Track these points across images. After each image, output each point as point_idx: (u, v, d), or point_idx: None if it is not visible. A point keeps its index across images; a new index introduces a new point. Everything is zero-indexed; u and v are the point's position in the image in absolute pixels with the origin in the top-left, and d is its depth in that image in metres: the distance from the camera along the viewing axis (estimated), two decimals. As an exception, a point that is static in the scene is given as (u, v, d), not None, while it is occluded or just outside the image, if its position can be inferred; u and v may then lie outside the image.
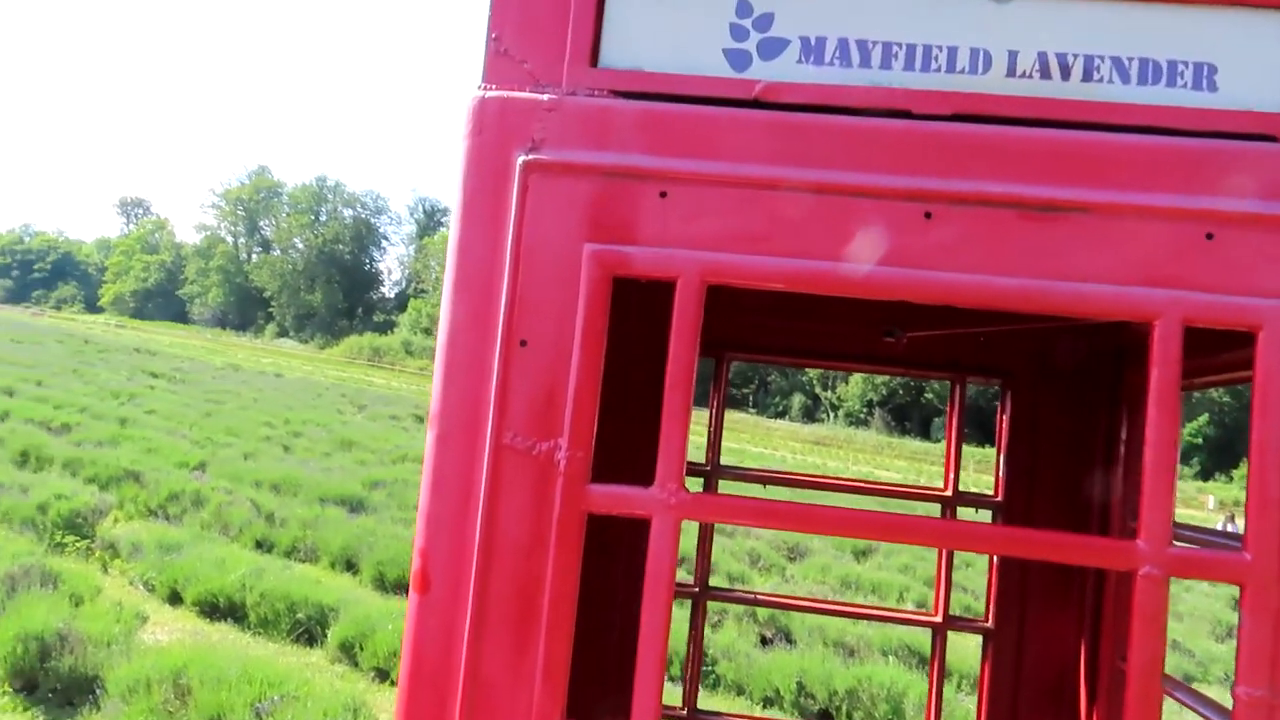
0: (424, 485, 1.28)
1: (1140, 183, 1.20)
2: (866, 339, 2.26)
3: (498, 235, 1.28)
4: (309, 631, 9.22)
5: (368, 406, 34.73)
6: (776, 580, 13.94)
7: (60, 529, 11.37)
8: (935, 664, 2.25)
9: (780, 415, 79.96)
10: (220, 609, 9.63)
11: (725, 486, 2.45)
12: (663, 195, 1.26)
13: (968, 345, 2.28)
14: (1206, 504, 45.35)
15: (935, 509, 2.36)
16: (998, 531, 1.22)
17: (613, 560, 2.19)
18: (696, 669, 2.37)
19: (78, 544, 11.15)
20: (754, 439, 52.08)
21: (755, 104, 1.29)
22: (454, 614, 1.24)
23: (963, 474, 2.32)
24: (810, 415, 79.71)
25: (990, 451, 2.37)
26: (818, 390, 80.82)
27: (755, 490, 2.69)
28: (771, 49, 1.32)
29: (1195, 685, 10.74)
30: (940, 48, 1.29)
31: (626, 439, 1.92)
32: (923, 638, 9.79)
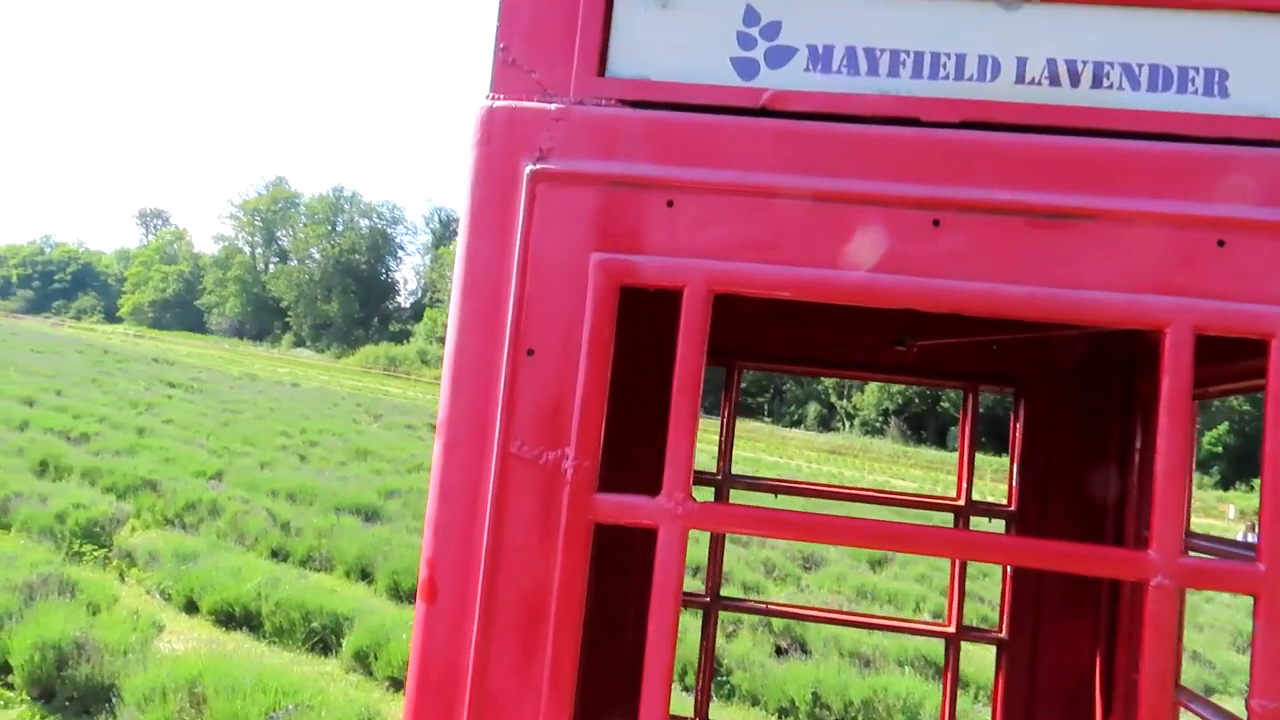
0: (431, 494, 1.29)
1: (1150, 189, 1.20)
2: (878, 347, 2.25)
3: (505, 245, 1.28)
4: (324, 641, 9.24)
5: (383, 416, 34.85)
6: (791, 590, 13.88)
7: (78, 538, 11.44)
8: (949, 675, 2.23)
9: (796, 424, 79.76)
10: (236, 618, 9.67)
11: (737, 496, 2.44)
12: (669, 204, 1.26)
13: (980, 354, 2.27)
14: (1227, 514, 44.90)
15: (950, 518, 2.34)
16: (1007, 541, 1.21)
17: (627, 569, 2.19)
18: (707, 679, 2.36)
19: (95, 553, 11.23)
20: (769, 448, 51.96)
21: (762, 112, 1.29)
22: (461, 623, 1.24)
23: (979, 483, 2.31)
24: (826, 424, 79.47)
25: (1007, 460, 2.36)
26: (833, 399, 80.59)
27: (767, 500, 2.68)
28: (779, 57, 1.32)
29: (1216, 697, 10.63)
30: (948, 55, 1.29)
31: (637, 448, 1.92)
32: (940, 648, 9.73)
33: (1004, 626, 2.18)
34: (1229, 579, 1.15)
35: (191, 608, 9.95)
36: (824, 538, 1.29)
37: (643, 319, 2.07)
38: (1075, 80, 1.26)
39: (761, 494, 2.62)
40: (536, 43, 1.34)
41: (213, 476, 16.13)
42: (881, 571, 15.81)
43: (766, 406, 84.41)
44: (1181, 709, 1.69)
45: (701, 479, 2.41)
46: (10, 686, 7.44)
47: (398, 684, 8.35)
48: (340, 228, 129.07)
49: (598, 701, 2.10)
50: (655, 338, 1.83)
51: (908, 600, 13.65)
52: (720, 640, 9.87)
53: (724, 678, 9.29)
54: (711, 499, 2.37)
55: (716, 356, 2.39)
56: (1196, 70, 1.25)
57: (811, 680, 9.05)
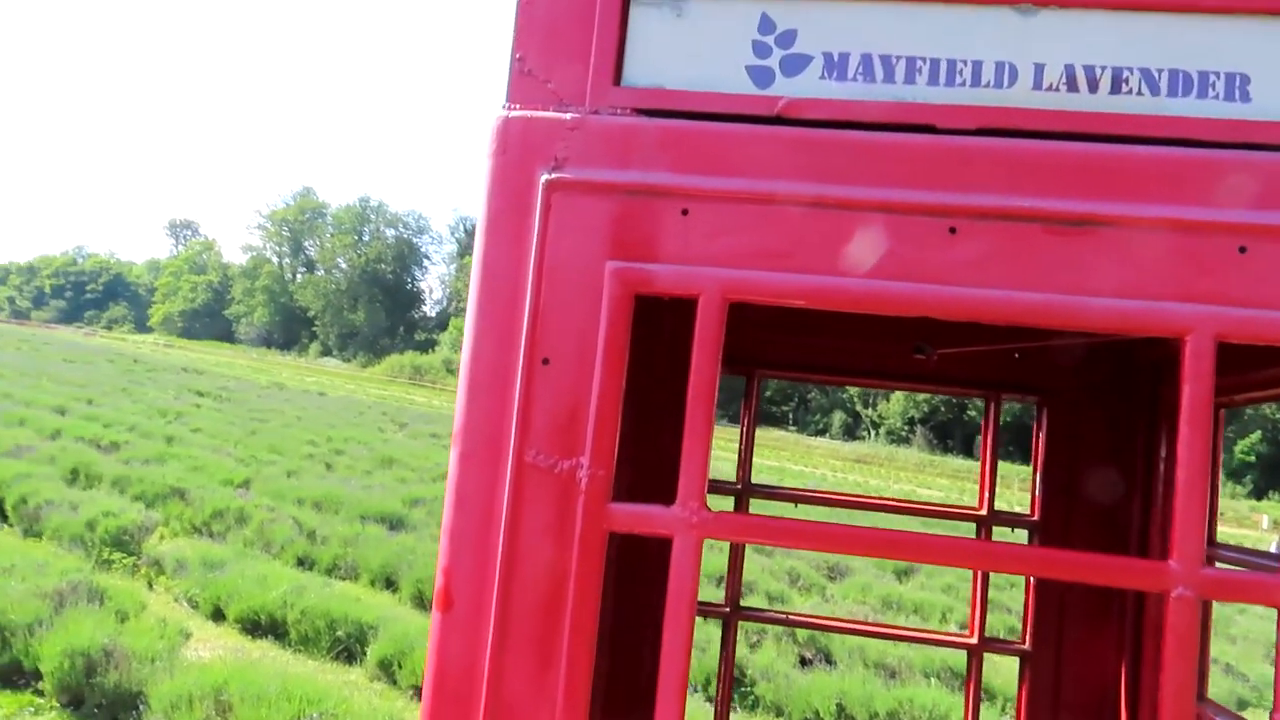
0: (447, 503, 1.29)
1: (1170, 195, 1.18)
2: (899, 356, 2.23)
3: (521, 254, 1.29)
4: (348, 649, 9.28)
5: (409, 424, 35.03)
6: (816, 600, 13.79)
7: (108, 546, 11.57)
8: (971, 686, 2.21)
9: (821, 433, 79.40)
10: (262, 626, 9.73)
11: (757, 505, 2.43)
12: (684, 213, 1.26)
13: (1003, 362, 2.25)
14: (1260, 523, 44.22)
15: (973, 528, 2.32)
16: (1024, 551, 1.20)
17: (648, 579, 2.18)
18: (727, 689, 2.35)
19: (124, 561, 11.35)
20: (794, 457, 51.75)
21: (778, 120, 1.29)
22: (477, 632, 1.24)
23: (1009, 493, 2.30)
24: (851, 433, 79.07)
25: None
26: (858, 408, 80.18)
27: (786, 509, 2.66)
28: (794, 65, 1.31)
29: (1249, 711, 10.45)
30: (965, 62, 1.28)
31: (661, 457, 1.91)
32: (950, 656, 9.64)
33: (1027, 638, 2.16)
34: (1251, 590, 1.13)
35: (218, 615, 10.04)
36: (840, 547, 1.29)
37: (664, 328, 2.07)
38: (1094, 86, 1.25)
39: (782, 503, 2.61)
40: (552, 53, 1.35)
41: (240, 485, 16.28)
42: (908, 582, 15.69)
43: (791, 415, 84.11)
44: (1208, 723, 1.66)
45: (721, 488, 2.40)
46: (40, 693, 7.53)
47: (421, 693, 8.37)
48: (367, 237, 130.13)
49: (620, 711, 2.10)
50: (676, 347, 1.83)
51: (934, 611, 13.53)
52: (744, 650, 9.83)
53: (748, 688, 9.25)
54: (731, 508, 2.36)
55: (736, 365, 2.39)
56: (1217, 75, 1.24)
57: (836, 691, 8.98)
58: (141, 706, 7.15)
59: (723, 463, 2.66)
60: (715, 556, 9.20)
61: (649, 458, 1.97)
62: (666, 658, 1.17)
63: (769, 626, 10.61)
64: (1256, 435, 63.34)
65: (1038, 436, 2.22)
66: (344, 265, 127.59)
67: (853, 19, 1.31)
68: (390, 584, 11.75)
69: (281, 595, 9.84)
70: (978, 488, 2.34)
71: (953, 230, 1.21)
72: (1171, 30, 1.25)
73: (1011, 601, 13.57)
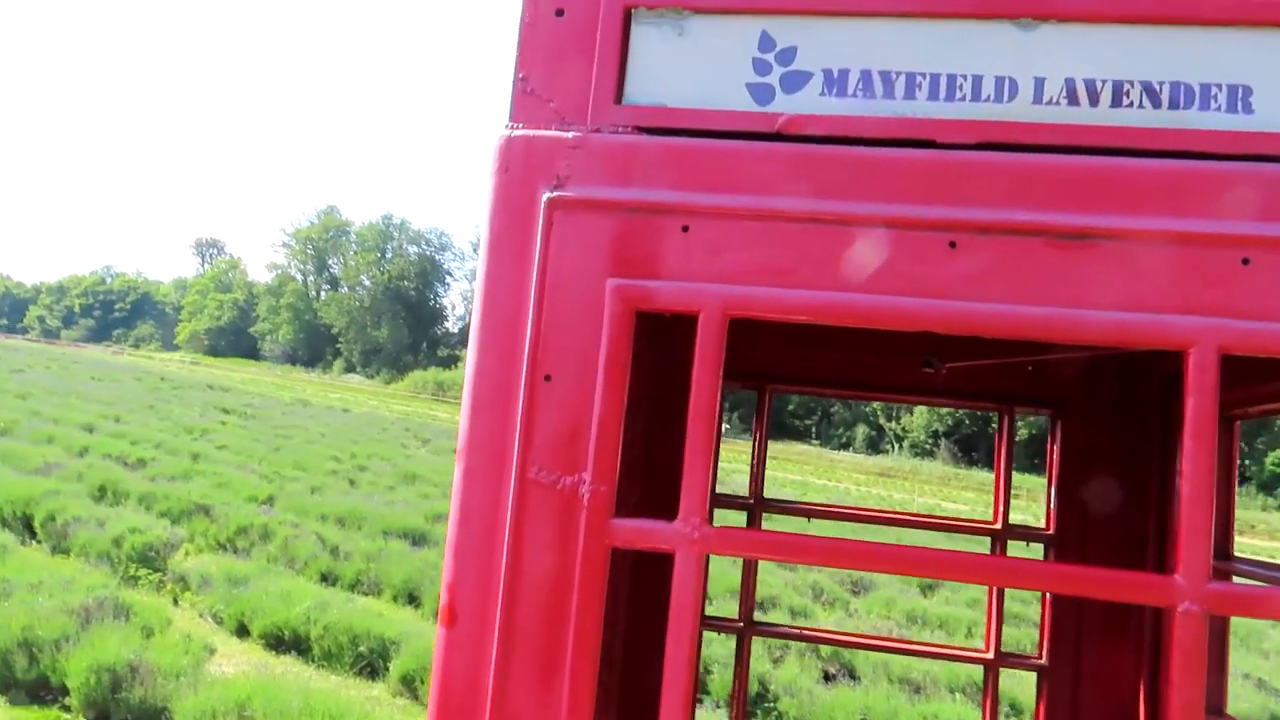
0: (451, 519, 1.30)
1: (1172, 208, 1.18)
2: (910, 370, 2.23)
3: (523, 272, 1.30)
4: (371, 664, 9.30)
5: (431, 440, 35.16)
6: (840, 615, 13.70)
7: (134, 562, 11.68)
8: (988, 702, 2.19)
9: (844, 447, 78.99)
10: (285, 642, 9.78)
11: (770, 521, 2.43)
12: (685, 229, 1.27)
13: (1015, 375, 2.24)
14: (1294, 537, 43.44)
15: (993, 542, 2.31)
16: (1027, 565, 1.19)
17: (665, 593, 2.18)
18: (742, 706, 2.34)
19: (150, 577, 11.45)
20: (817, 471, 51.48)
21: (778, 137, 1.30)
22: (481, 648, 1.25)
23: (1035, 506, 2.27)
24: (874, 446, 78.60)
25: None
26: (882, 421, 79.73)
27: (799, 524, 2.65)
28: (794, 82, 1.32)
29: (1282, 727, 10.25)
30: (965, 77, 1.28)
31: (672, 474, 1.91)
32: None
33: (1044, 652, 2.14)
34: (1260, 605, 1.12)
35: (242, 631, 10.09)
36: (845, 563, 1.28)
37: (674, 344, 2.08)
38: (1094, 99, 1.25)
39: (797, 518, 2.60)
40: (554, 72, 1.36)
41: (264, 501, 16.39)
42: (932, 596, 15.55)
43: (814, 429, 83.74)
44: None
45: (734, 503, 2.40)
46: (67, 708, 7.60)
47: (428, 709, 8.36)
48: (389, 255, 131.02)
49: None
50: (687, 363, 1.84)
51: (959, 625, 13.40)
52: (767, 666, 9.77)
53: (771, 704, 9.19)
54: (744, 523, 2.36)
55: (748, 379, 2.39)
56: (1219, 87, 1.23)
57: (860, 707, 8.91)
58: (166, 722, 7.19)
59: (743, 476, 2.64)
60: (738, 572, 9.15)
61: (660, 474, 1.97)
62: (670, 672, 1.17)
63: (793, 642, 10.54)
64: (1287, 446, 62.34)
65: (1052, 450, 2.21)
66: (367, 282, 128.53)
67: (852, 35, 1.32)
68: (413, 599, 11.78)
69: (305, 611, 9.88)
70: (1014, 503, 2.32)
71: (953, 245, 1.21)
72: (1173, 42, 1.25)
73: (1036, 615, 13.41)
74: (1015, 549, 2.30)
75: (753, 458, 2.42)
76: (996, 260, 1.19)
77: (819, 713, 9.01)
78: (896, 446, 77.08)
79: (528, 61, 1.38)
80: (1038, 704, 2.14)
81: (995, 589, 2.24)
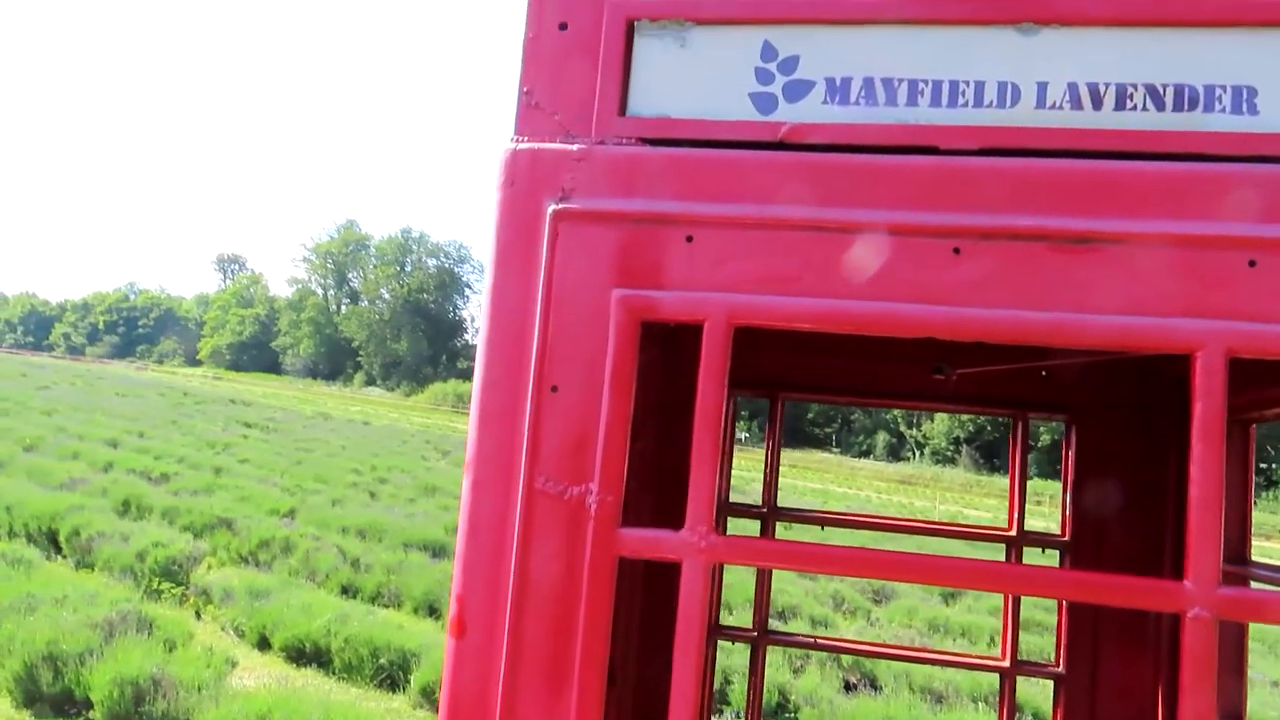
0: (460, 530, 1.30)
1: (1177, 211, 1.17)
2: (922, 377, 2.22)
3: (530, 284, 1.31)
4: (391, 677, 9.32)
5: (451, 452, 35.25)
6: (861, 624, 13.62)
7: (157, 576, 11.77)
8: (1004, 711, 2.17)
9: (864, 454, 78.63)
10: (306, 654, 9.82)
11: (784, 530, 2.42)
12: (689, 239, 1.27)
13: (1029, 381, 2.22)
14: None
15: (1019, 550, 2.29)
16: (1030, 572, 1.18)
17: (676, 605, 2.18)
18: (757, 716, 2.33)
19: (173, 590, 11.53)
20: (838, 479, 51.26)
21: (781, 146, 1.30)
22: (490, 658, 1.25)
23: (1059, 513, 2.25)
24: (895, 454, 78.19)
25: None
26: (902, 428, 79.31)
27: (819, 534, 2.65)
28: (797, 91, 1.32)
29: (1313, 734, 10.09)
30: (967, 82, 1.28)
31: (684, 484, 1.91)
32: (1018, 684, 9.43)
33: (1061, 660, 2.12)
34: (1271, 610, 1.11)
35: (264, 644, 10.14)
36: (856, 571, 1.28)
37: (686, 353, 2.08)
38: (1098, 103, 1.25)
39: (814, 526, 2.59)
40: (559, 85, 1.37)
41: (285, 514, 16.47)
42: (954, 604, 15.44)
43: (834, 437, 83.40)
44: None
45: (747, 512, 2.40)
46: (91, 722, 7.65)
47: (461, 720, 8.37)
48: (409, 268, 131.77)
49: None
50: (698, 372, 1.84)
51: (981, 634, 13.29)
52: (787, 676, 9.72)
53: (791, 714, 9.13)
54: (758, 532, 2.35)
55: (760, 388, 2.39)
56: (1224, 88, 1.23)
57: (881, 717, 8.85)
58: (189, 735, 7.23)
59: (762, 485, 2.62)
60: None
61: (672, 484, 1.97)
62: (678, 682, 1.17)
63: (813, 651, 10.48)
64: (1322, 449, 61.48)
65: (1067, 455, 2.19)
66: (387, 296, 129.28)
67: (854, 43, 1.32)
68: (433, 611, 11.80)
69: (326, 623, 9.92)
70: (1029, 507, 2.31)
71: (957, 251, 1.21)
72: (1176, 44, 1.24)
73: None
74: (1032, 556, 2.28)
75: (766, 466, 2.42)
76: (1001, 265, 1.19)
77: (841, 723, 8.95)
78: (917, 454, 76.64)
79: (532, 75, 1.39)
80: (1055, 712, 2.13)
81: (1011, 597, 2.23)
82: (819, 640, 2.47)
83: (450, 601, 1.29)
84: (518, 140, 1.37)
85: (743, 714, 8.33)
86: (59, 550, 13.18)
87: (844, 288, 1.22)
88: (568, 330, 1.28)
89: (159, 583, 11.62)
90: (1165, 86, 1.24)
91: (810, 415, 78.93)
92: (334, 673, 9.54)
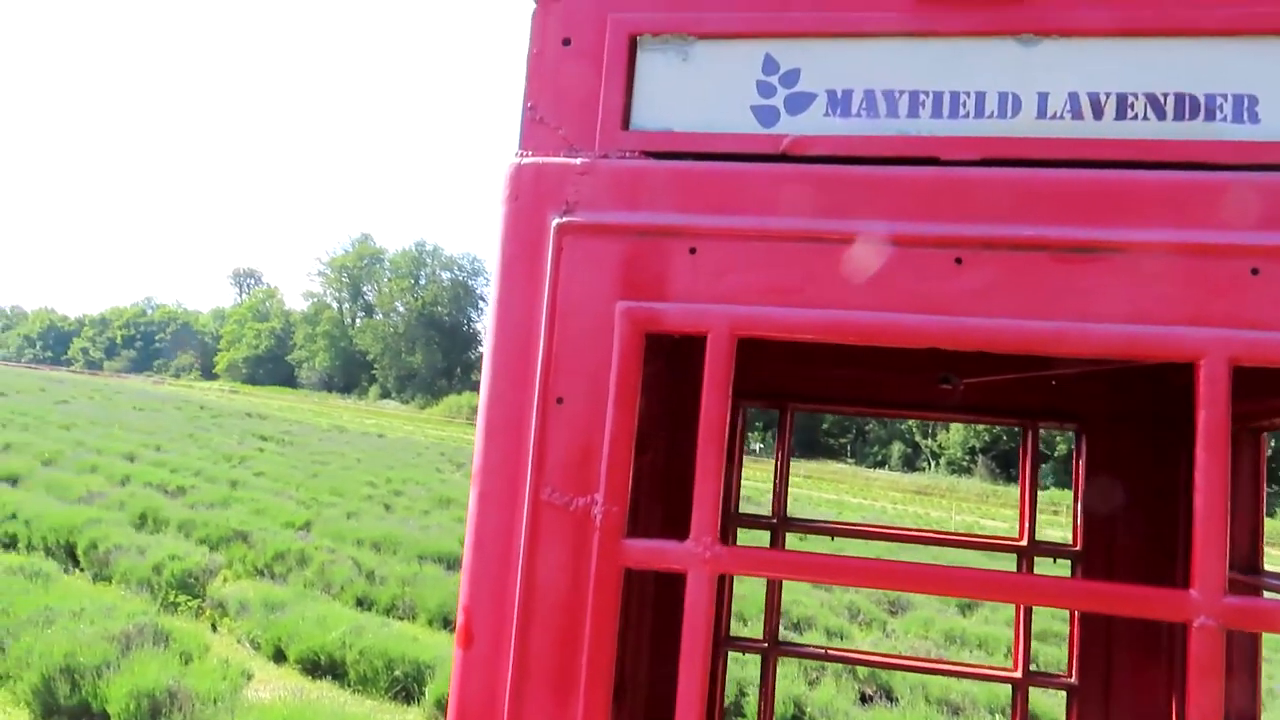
0: (467, 542, 1.31)
1: (1179, 219, 1.17)
2: (930, 386, 2.22)
3: (535, 297, 1.32)
4: (406, 689, 9.33)
5: (466, 464, 35.29)
6: (877, 635, 13.55)
7: (173, 589, 11.82)
8: (1017, 722, 2.16)
9: (879, 465, 78.28)
10: (321, 666, 9.83)
11: (794, 540, 2.42)
12: (692, 251, 1.28)
13: (1038, 390, 2.22)
14: (1345, 551, 42.31)
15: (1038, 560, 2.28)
16: (1036, 582, 1.18)
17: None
18: (768, 727, 2.32)
19: (189, 603, 11.57)
20: (853, 490, 51.06)
21: (783, 158, 1.31)
22: (496, 669, 1.26)
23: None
24: (910, 464, 77.83)
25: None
26: (918, 438, 78.96)
27: (831, 543, 2.65)
28: (798, 103, 1.33)
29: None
30: (968, 93, 1.29)
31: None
32: (1036, 696, 9.35)
33: (1073, 670, 2.11)
34: (1278, 619, 1.10)
35: (279, 656, 10.17)
36: (862, 581, 1.28)
37: (694, 364, 2.09)
38: (1099, 113, 1.25)
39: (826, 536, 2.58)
40: (562, 100, 1.39)
41: (301, 527, 16.52)
42: (971, 615, 15.33)
43: (849, 447, 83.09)
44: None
45: (757, 523, 2.40)
46: (108, 734, 7.68)
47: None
48: (423, 281, 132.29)
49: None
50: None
51: (998, 645, 13.19)
52: (803, 687, 9.67)
53: (807, 726, 9.08)
54: (767, 543, 2.35)
55: (769, 398, 2.39)
56: (1225, 97, 1.23)
57: (898, 729, 8.78)
58: (205, 748, 7.25)
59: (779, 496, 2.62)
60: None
61: (682, 495, 1.98)
62: (683, 692, 1.17)
63: (828, 663, 10.43)
64: (1337, 458, 60.85)
65: (1077, 465, 2.19)
66: (401, 309, 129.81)
67: (855, 56, 1.33)
68: (448, 623, 11.80)
69: (341, 636, 9.94)
70: (1044, 518, 2.30)
71: (959, 261, 1.21)
72: (1177, 54, 1.25)
73: (1080, 635, 13.15)
74: (1047, 566, 2.28)
75: (775, 476, 2.42)
76: (1002, 275, 1.20)
77: (857, 735, 8.90)
78: (933, 464, 76.28)
79: (536, 90, 1.40)
80: (1068, 723, 2.11)
81: (1022, 607, 2.22)
82: (830, 651, 2.46)
83: (458, 612, 1.30)
84: (522, 155, 1.38)
85: (757, 726, 8.29)
86: (76, 563, 13.26)
87: (846, 299, 1.23)
88: (572, 342, 1.29)
89: (175, 595, 11.68)
90: (1166, 95, 1.24)
91: (825, 426, 78.67)
92: (349, 685, 9.55)
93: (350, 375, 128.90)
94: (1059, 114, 1.26)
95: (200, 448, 29.53)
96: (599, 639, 1.22)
